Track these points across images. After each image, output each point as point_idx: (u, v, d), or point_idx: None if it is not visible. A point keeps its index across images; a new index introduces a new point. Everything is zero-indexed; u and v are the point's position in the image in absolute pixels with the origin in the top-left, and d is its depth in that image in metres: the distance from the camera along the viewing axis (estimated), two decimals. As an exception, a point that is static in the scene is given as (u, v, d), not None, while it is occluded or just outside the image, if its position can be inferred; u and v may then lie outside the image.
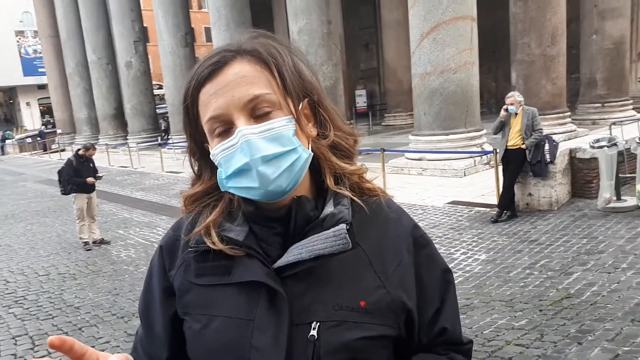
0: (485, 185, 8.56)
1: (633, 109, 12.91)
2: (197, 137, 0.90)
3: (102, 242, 7.78)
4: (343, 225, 0.84)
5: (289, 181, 0.83)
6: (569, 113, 11.67)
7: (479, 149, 9.88)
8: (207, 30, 46.51)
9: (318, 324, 0.83)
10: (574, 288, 4.45)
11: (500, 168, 7.21)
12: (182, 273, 0.91)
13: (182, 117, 0.91)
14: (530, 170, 6.99)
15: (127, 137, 20.57)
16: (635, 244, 5.33)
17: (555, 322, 3.86)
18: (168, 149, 16.60)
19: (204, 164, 0.93)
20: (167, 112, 19.67)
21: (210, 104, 0.84)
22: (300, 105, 0.87)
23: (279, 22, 22.38)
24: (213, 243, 0.87)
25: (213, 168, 0.91)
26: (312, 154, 0.87)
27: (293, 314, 0.83)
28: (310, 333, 0.82)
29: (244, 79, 0.83)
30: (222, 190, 0.89)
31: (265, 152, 0.81)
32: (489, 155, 9.25)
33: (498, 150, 7.19)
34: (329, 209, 0.87)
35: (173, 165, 15.41)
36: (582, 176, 7.16)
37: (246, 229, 0.88)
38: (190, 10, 21.17)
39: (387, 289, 0.87)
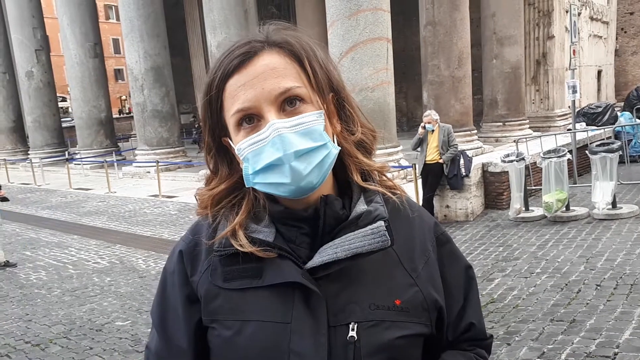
0: (404, 199, 8.89)
1: (529, 127, 14.07)
2: (215, 131, 0.87)
3: (7, 264, 7.15)
4: (382, 222, 0.82)
5: (319, 177, 0.81)
6: (475, 131, 12.47)
7: (397, 164, 10.27)
8: (116, 42, 44.58)
9: (356, 324, 0.80)
10: (497, 293, 4.76)
11: (420, 182, 7.56)
12: (208, 278, 0.86)
13: (202, 109, 0.87)
14: (448, 184, 7.41)
15: (29, 152, 19.11)
16: (545, 250, 5.80)
17: (484, 325, 4.10)
18: (75, 164, 15.64)
19: (221, 160, 0.89)
20: (196, 122, 18.10)
21: (239, 96, 0.81)
22: (327, 100, 0.85)
23: (193, 36, 21.97)
24: (241, 246, 0.82)
25: (230, 164, 0.88)
26: (340, 149, 0.85)
27: (329, 315, 0.80)
28: (350, 334, 0.80)
29: (274, 71, 0.81)
30: (247, 186, 0.84)
31: (299, 146, 0.78)
32: (406, 170, 9.64)
33: (417, 165, 7.54)
34: (362, 206, 0.85)
35: (82, 181, 14.54)
36: (494, 189, 7.70)
37: (273, 229, 0.85)
38: (97, 20, 20.10)
39: (419, 286, 0.86)
